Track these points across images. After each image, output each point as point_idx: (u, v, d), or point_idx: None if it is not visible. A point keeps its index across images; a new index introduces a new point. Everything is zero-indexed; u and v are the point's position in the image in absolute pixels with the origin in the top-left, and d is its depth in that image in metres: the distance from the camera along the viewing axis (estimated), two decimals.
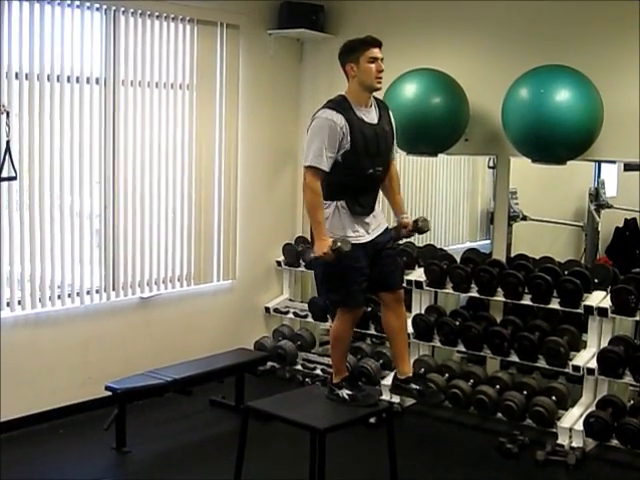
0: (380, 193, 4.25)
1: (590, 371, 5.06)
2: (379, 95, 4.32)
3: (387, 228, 4.23)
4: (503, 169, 5.76)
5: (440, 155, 5.79)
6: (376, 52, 4.05)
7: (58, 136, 5.24)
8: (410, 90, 5.50)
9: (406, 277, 5.83)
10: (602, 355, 5.03)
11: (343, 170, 3.96)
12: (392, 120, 4.21)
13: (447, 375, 5.61)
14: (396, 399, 5.56)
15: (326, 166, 3.92)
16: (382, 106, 4.18)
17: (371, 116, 4.07)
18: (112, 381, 5.06)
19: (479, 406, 5.37)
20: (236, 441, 4.03)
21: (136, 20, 5.58)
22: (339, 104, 4.00)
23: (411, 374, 4.27)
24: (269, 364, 6.38)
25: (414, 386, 4.23)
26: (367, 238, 4.06)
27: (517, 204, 6.54)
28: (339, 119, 3.93)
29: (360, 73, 4.03)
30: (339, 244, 3.86)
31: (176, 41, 5.85)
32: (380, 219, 4.19)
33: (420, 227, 4.35)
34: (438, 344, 5.75)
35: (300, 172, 6.69)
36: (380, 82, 4.06)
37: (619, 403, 4.99)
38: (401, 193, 4.42)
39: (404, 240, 4.99)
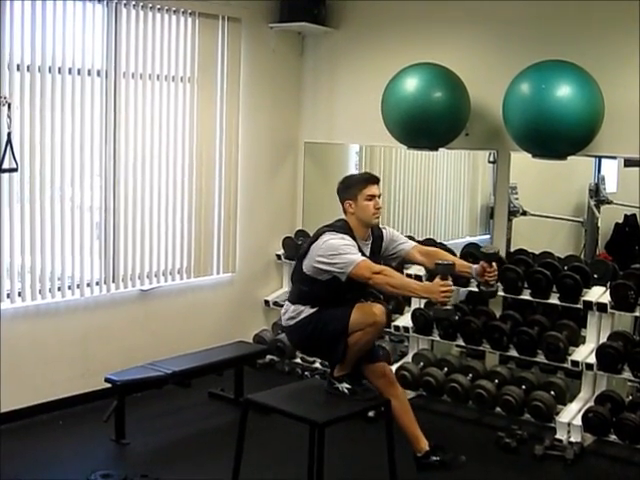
0: None
1: (589, 366, 5.08)
2: None
3: None
4: (503, 164, 5.76)
5: (440, 149, 5.79)
6: (374, 189, 4.17)
7: (59, 128, 5.24)
8: (411, 84, 5.49)
9: (406, 271, 5.84)
10: (601, 350, 5.04)
11: (324, 288, 4.08)
12: (383, 243, 4.31)
13: (446, 369, 5.62)
14: None
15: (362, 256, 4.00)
16: (375, 234, 4.28)
17: (367, 250, 4.20)
18: (112, 373, 5.08)
19: (478, 400, 5.38)
20: (235, 433, 4.05)
21: (138, 12, 5.57)
22: (346, 232, 4.10)
23: (428, 448, 4.36)
24: (268, 357, 6.39)
25: (434, 458, 4.37)
26: None
27: (517, 199, 6.52)
28: (353, 241, 4.07)
29: (358, 210, 4.15)
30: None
31: (178, 34, 5.84)
32: None
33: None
34: (437, 338, 5.76)
35: (300, 167, 6.78)
36: (378, 217, 4.18)
37: (617, 398, 5.00)
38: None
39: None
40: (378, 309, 4.11)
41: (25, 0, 4.96)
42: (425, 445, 4.36)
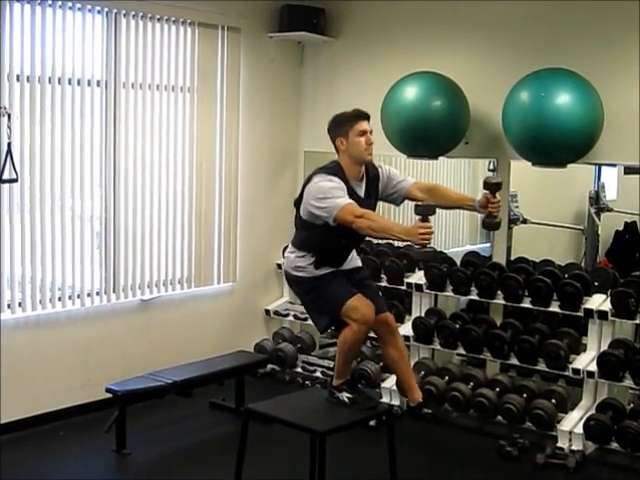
0: None
1: (590, 374, 5.07)
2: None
3: (363, 267, 4.34)
4: (503, 172, 5.76)
5: (440, 158, 5.79)
6: (365, 125, 4.09)
7: (59, 138, 5.25)
8: (411, 93, 5.50)
9: (406, 280, 5.85)
10: (602, 358, 5.04)
11: (320, 233, 4.01)
12: (380, 184, 4.21)
13: (447, 378, 5.61)
14: (396, 402, 5.57)
15: (350, 199, 3.92)
16: (371, 174, 4.19)
17: (361, 190, 4.12)
18: (112, 383, 5.07)
19: (479, 409, 5.37)
20: (236, 443, 4.04)
21: (137, 23, 5.59)
22: (336, 173, 4.02)
23: (421, 399, 4.31)
24: (269, 366, 6.39)
25: (427, 411, 4.41)
26: (340, 268, 4.14)
27: (517, 207, 6.53)
28: (342, 184, 3.98)
29: (350, 147, 4.06)
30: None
31: (177, 44, 5.86)
32: (354, 261, 4.28)
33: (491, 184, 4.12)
34: (438, 347, 5.75)
35: (300, 176, 6.78)
36: (370, 154, 4.09)
37: (619, 406, 4.99)
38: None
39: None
40: (369, 310, 4.06)
41: (25, 10, 4.98)
42: (419, 396, 4.29)
